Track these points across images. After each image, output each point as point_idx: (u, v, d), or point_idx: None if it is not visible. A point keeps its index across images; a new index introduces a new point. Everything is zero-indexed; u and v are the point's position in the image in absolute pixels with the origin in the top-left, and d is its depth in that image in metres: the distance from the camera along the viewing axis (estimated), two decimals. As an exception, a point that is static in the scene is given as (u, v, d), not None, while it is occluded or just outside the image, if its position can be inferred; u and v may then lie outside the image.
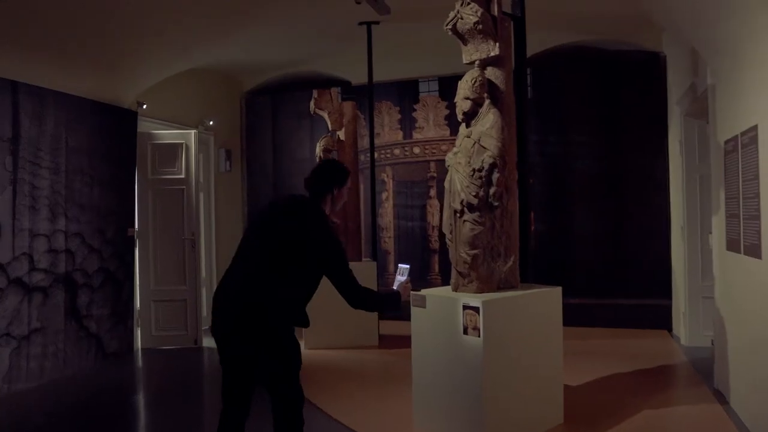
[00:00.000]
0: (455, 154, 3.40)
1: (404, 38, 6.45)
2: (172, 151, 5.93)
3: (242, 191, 7.70)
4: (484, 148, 3.26)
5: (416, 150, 6.98)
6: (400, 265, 2.84)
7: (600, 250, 6.35)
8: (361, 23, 6.00)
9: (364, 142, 6.60)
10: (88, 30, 4.67)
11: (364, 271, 5.68)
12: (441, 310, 3.21)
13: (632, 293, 6.17)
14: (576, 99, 6.42)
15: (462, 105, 3.37)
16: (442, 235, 3.57)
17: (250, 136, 7.71)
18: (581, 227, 6.40)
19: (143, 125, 5.94)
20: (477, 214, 3.24)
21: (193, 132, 6.02)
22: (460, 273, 3.31)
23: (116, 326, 5.40)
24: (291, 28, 6.09)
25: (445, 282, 7.19)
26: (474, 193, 3.23)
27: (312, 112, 6.12)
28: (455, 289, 3.33)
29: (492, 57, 3.39)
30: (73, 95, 4.95)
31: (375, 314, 5.62)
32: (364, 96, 6.31)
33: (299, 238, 2.33)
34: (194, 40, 5.66)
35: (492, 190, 3.23)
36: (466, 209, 3.26)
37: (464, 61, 3.53)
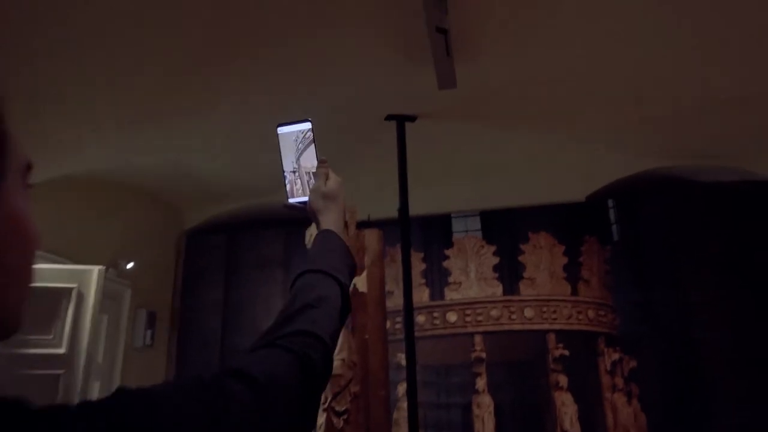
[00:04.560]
0: None
1: (431, 153, 4.50)
2: (52, 302, 3.20)
3: (168, 379, 4.76)
4: None
5: (452, 317, 4.57)
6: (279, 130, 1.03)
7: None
8: (389, 117, 4.01)
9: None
10: None
11: None
12: None
13: None
14: (687, 241, 4.47)
15: None
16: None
17: (189, 292, 4.99)
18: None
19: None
20: None
21: (96, 271, 3.38)
22: None
23: None
24: (262, 124, 3.95)
25: None
26: None
27: (308, 244, 3.72)
28: None
29: None
30: None
31: None
32: (387, 230, 4.06)
33: None
34: (100, 123, 3.35)
35: None
36: None
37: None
